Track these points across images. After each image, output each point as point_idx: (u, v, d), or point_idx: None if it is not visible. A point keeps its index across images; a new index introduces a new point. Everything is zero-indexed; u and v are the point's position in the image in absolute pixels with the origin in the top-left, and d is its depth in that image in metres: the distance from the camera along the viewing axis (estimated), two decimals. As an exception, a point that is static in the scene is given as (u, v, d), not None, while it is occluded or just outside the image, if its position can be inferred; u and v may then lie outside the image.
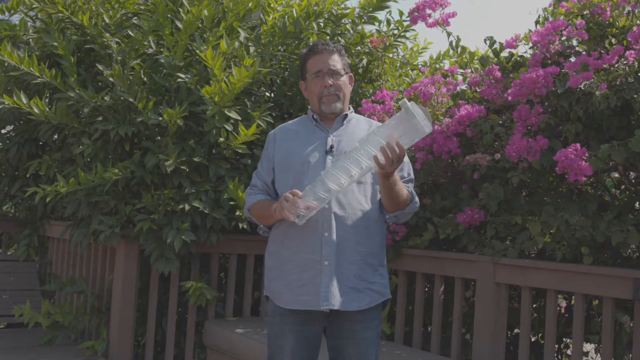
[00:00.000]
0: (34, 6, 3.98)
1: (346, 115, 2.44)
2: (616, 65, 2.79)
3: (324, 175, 2.12)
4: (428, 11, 3.64)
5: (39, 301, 4.44)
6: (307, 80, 2.42)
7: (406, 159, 2.42)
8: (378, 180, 2.24)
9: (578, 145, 2.66)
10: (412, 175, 2.45)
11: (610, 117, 2.89)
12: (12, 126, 4.58)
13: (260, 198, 2.41)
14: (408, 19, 3.86)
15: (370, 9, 4.34)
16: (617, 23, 3.08)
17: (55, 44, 3.75)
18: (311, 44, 2.46)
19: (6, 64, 3.95)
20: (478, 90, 3.41)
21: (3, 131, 4.66)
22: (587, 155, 2.64)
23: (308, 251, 2.27)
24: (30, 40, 4.22)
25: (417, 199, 2.39)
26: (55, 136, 4.20)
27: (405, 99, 2.07)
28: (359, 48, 4.31)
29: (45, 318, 3.87)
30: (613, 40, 3.10)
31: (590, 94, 2.76)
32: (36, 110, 3.62)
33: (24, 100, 3.60)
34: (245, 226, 3.87)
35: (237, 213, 3.71)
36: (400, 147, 2.05)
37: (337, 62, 2.39)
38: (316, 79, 2.38)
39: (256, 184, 2.47)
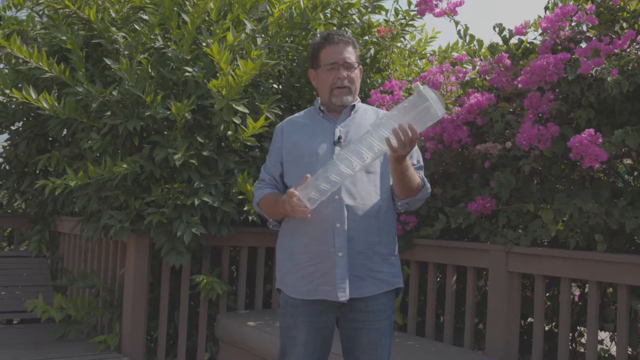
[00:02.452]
0: (40, 1, 3.98)
1: (353, 105, 2.42)
2: (628, 50, 2.76)
3: (336, 158, 2.11)
4: (435, 1, 3.61)
5: (52, 296, 4.45)
6: (320, 70, 2.40)
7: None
8: (390, 166, 2.22)
9: (592, 130, 2.62)
10: (422, 163, 2.44)
11: (623, 103, 2.86)
12: (22, 122, 4.60)
13: (269, 192, 2.40)
14: (416, 8, 3.83)
15: (376, -2, 4.33)
16: (628, 7, 3.03)
17: (64, 37, 3.75)
18: (325, 33, 2.43)
19: (14, 60, 3.95)
20: (488, 78, 3.37)
21: (12, 127, 4.68)
22: (601, 140, 2.61)
23: (321, 242, 2.26)
24: (38, 36, 4.22)
25: (428, 185, 2.37)
26: (65, 131, 4.21)
27: (419, 83, 2.04)
28: (367, 38, 4.29)
29: (57, 312, 3.88)
30: (624, 25, 3.05)
31: (602, 80, 2.72)
32: (45, 105, 3.62)
33: (33, 95, 3.60)
34: (255, 219, 3.87)
35: (246, 207, 3.70)
36: (413, 130, 2.02)
37: (351, 54, 2.37)
38: (330, 70, 2.37)
39: (264, 178, 2.46)
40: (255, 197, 2.46)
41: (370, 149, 2.08)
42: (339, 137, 2.33)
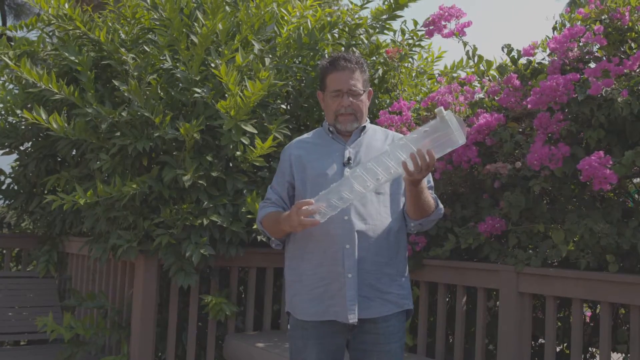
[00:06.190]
0: (51, 22, 4.02)
1: (364, 127, 2.42)
2: (637, 71, 2.76)
3: (351, 175, 2.09)
4: (443, 22, 3.62)
5: (60, 317, 4.44)
6: (326, 95, 2.41)
7: None
8: (405, 187, 2.21)
9: (602, 152, 2.62)
10: (432, 183, 2.43)
11: (633, 123, 2.85)
12: (31, 142, 4.62)
13: (271, 210, 2.39)
14: (423, 28, 3.85)
15: (384, 17, 4.34)
16: (636, 27, 3.04)
17: (74, 58, 3.77)
18: (333, 56, 2.43)
19: (24, 81, 3.98)
20: (496, 98, 3.38)
21: (21, 148, 4.70)
22: (611, 162, 2.60)
23: (330, 264, 2.25)
24: (48, 57, 4.26)
25: (441, 205, 2.37)
26: (74, 152, 4.22)
27: (442, 108, 2.02)
28: (374, 58, 4.30)
29: (67, 331, 3.86)
30: (633, 45, 3.06)
31: (612, 100, 2.72)
32: (55, 126, 3.64)
33: (44, 116, 3.62)
34: (263, 239, 3.86)
35: (255, 226, 3.70)
36: (431, 156, 2.02)
37: (357, 80, 2.35)
38: (335, 97, 2.36)
39: (270, 197, 2.46)
40: (258, 216, 2.45)
41: (386, 170, 2.06)
42: (349, 159, 2.33)
